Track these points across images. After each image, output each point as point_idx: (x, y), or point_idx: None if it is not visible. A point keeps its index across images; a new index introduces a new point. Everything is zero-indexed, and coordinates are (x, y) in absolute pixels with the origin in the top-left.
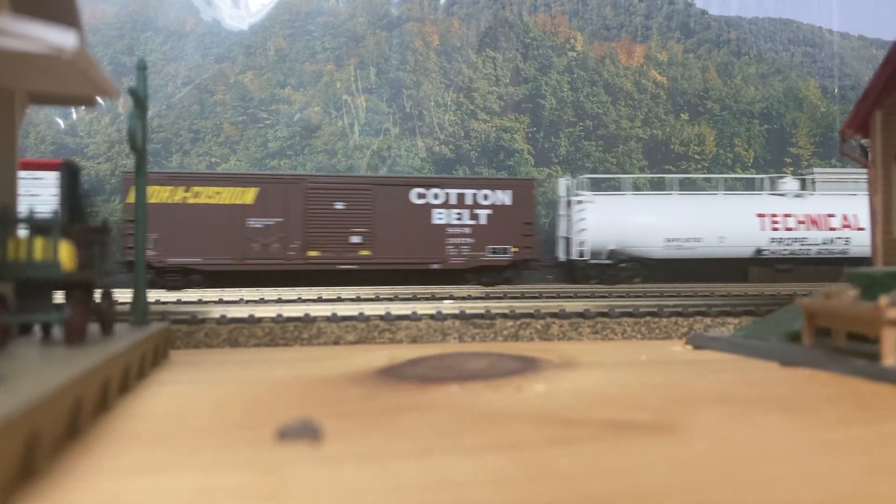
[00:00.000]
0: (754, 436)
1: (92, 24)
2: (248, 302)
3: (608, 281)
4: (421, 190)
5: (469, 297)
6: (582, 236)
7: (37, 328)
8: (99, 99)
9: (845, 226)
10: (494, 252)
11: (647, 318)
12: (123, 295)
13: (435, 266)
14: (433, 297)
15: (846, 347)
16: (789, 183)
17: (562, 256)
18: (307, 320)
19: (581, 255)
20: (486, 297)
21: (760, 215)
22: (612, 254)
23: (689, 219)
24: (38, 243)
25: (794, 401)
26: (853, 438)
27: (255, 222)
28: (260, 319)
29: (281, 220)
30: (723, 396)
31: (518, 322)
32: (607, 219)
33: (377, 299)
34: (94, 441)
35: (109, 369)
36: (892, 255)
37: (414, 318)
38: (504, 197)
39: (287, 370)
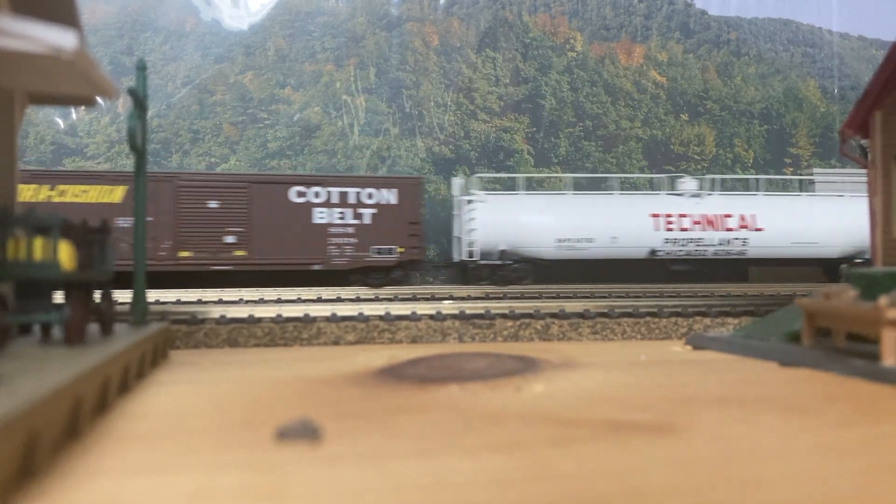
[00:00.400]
0: (754, 436)
1: (92, 24)
2: (247, 302)
3: (499, 282)
4: (300, 188)
5: (469, 298)
6: (471, 236)
7: (36, 328)
8: (98, 99)
9: (742, 226)
10: (379, 252)
11: (647, 319)
12: (123, 295)
13: (316, 267)
14: (433, 298)
15: (846, 348)
16: (687, 183)
17: (456, 257)
18: (307, 320)
19: (470, 255)
20: (486, 298)
21: (654, 215)
22: (503, 254)
23: (582, 219)
24: (38, 243)
25: (794, 401)
26: (853, 439)
27: (123, 222)
28: (259, 319)
29: (151, 219)
30: (722, 397)
31: (518, 322)
32: (498, 218)
33: (377, 299)
34: (94, 441)
35: (109, 369)
36: (891, 255)
37: (413, 318)
38: (389, 196)
39: (287, 370)
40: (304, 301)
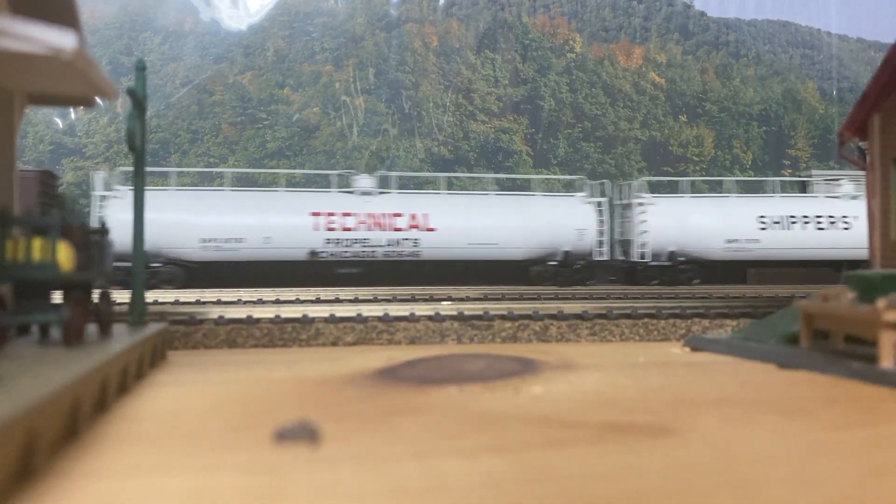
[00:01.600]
0: (752, 438)
1: (91, 25)
2: (246, 303)
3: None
4: None
5: (467, 299)
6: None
7: (35, 329)
8: (97, 99)
9: (413, 226)
10: None
11: (646, 320)
12: (122, 296)
13: None
14: (431, 299)
15: (844, 350)
16: (361, 180)
17: None
18: (305, 321)
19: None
20: (485, 299)
21: (315, 214)
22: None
23: (231, 217)
24: (37, 244)
25: (792, 403)
26: (851, 441)
27: None
28: (258, 320)
29: None
30: (721, 399)
31: (516, 323)
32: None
33: (375, 300)
34: (93, 442)
35: (108, 370)
36: (889, 257)
37: (412, 319)
38: None
39: (285, 371)
40: (303, 302)
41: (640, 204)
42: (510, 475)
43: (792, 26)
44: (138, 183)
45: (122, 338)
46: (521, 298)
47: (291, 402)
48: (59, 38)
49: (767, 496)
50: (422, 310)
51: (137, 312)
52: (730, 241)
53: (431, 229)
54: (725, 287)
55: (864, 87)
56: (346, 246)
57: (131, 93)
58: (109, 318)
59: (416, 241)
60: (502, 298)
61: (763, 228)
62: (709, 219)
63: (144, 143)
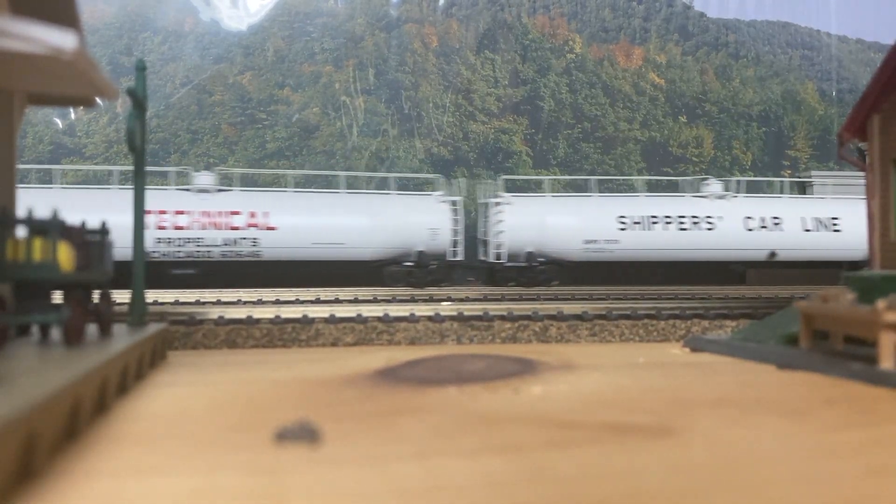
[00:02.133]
0: (751, 439)
1: (91, 25)
2: (245, 303)
3: None
4: None
5: (467, 300)
6: None
7: (35, 329)
8: (98, 99)
9: (251, 225)
10: None
11: (645, 321)
12: (121, 296)
13: None
14: (431, 299)
15: (843, 351)
16: (201, 177)
17: None
18: (305, 321)
19: None
20: (485, 300)
21: (146, 213)
22: None
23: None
24: (37, 244)
25: (792, 404)
26: (851, 442)
27: None
28: (258, 320)
29: None
30: (720, 399)
31: (516, 324)
32: None
33: (375, 300)
34: (93, 442)
35: (108, 371)
36: (889, 259)
37: (412, 319)
38: None
39: (285, 372)
40: (303, 302)
41: (497, 203)
42: (510, 475)
43: (791, 27)
44: (138, 183)
45: (122, 338)
46: (520, 299)
47: (292, 403)
48: (59, 38)
49: (767, 497)
50: (421, 310)
51: (137, 313)
52: (588, 242)
53: (272, 228)
54: (725, 288)
55: (864, 88)
56: (179, 245)
57: (131, 93)
58: (109, 319)
59: (255, 241)
60: (502, 299)
61: (623, 229)
62: (567, 219)
63: (144, 143)
